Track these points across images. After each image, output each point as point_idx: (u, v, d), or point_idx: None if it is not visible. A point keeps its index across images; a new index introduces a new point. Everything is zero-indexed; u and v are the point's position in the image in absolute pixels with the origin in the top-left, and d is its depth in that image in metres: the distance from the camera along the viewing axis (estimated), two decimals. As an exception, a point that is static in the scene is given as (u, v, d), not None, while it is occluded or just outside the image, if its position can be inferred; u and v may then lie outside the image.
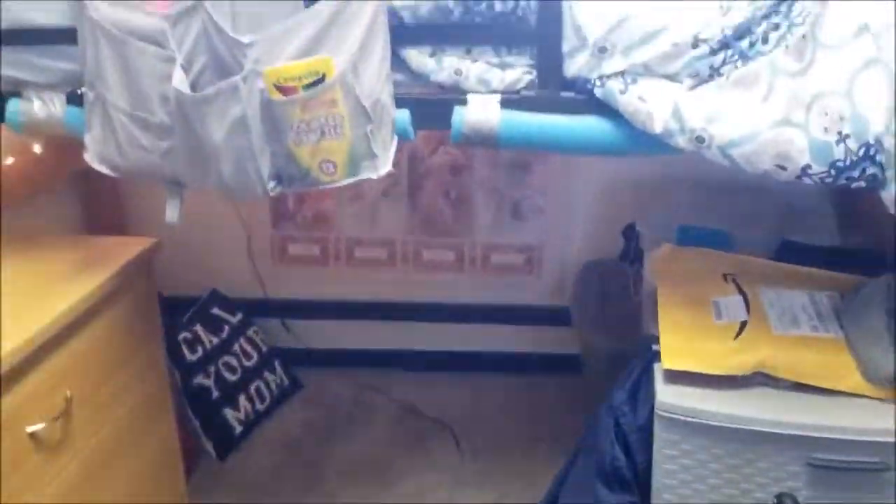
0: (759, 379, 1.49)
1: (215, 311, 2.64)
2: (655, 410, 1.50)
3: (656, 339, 1.60)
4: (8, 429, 1.32)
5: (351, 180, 1.40)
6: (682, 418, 1.46)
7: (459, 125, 1.39)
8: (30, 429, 1.37)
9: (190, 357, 2.44)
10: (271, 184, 1.39)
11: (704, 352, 1.50)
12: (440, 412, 2.61)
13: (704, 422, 1.45)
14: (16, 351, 1.32)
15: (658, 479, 1.52)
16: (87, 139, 1.44)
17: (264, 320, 2.78)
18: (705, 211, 2.16)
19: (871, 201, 1.89)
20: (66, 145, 2.23)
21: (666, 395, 1.48)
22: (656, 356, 1.57)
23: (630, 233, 2.46)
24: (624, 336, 2.09)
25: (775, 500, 1.18)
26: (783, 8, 1.20)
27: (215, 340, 2.55)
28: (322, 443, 2.49)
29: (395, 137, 1.41)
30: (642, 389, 1.58)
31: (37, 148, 2.06)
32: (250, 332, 2.68)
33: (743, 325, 1.54)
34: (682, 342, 1.53)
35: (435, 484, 2.31)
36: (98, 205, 2.45)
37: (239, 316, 2.68)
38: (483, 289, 2.72)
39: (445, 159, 2.60)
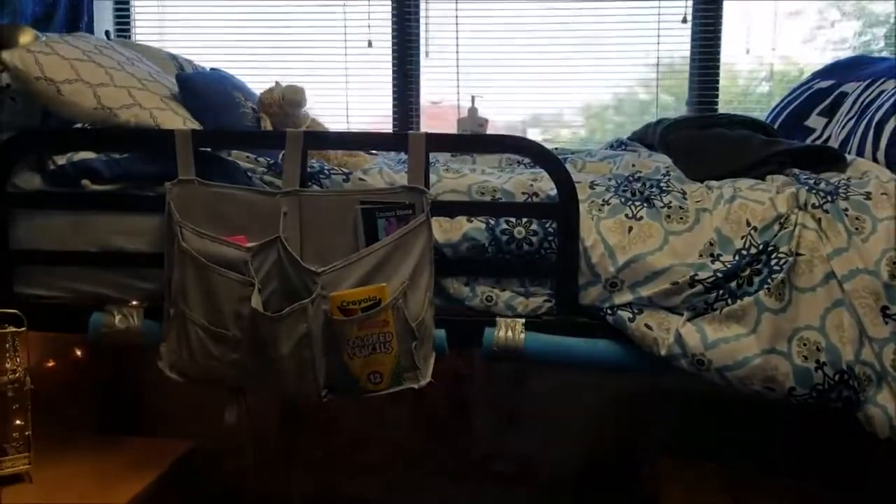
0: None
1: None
2: None
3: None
4: None
5: (394, 389, 1.59)
6: None
7: (490, 343, 1.62)
8: None
9: None
10: (324, 392, 1.58)
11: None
12: None
13: None
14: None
15: None
16: (163, 349, 1.64)
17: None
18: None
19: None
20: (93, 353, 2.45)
21: None
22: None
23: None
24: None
25: None
26: (763, 257, 1.48)
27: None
28: None
29: (434, 353, 1.63)
30: None
31: (78, 352, 2.24)
32: None
33: (740, 531, 1.70)
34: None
35: None
36: (116, 409, 2.59)
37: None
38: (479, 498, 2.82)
39: (449, 365, 2.80)
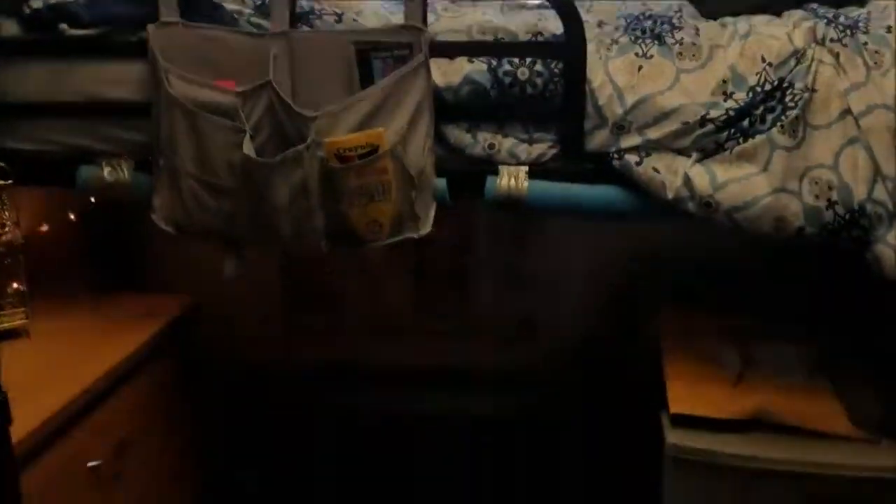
0: (758, 424, 1.66)
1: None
2: (665, 452, 1.64)
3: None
4: (72, 464, 1.42)
5: (395, 239, 1.56)
6: (690, 458, 1.61)
7: (492, 192, 1.57)
8: (90, 464, 1.47)
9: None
10: (323, 242, 1.55)
11: (708, 398, 1.66)
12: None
13: (709, 461, 1.60)
14: (80, 394, 1.43)
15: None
16: (155, 201, 1.59)
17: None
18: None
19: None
20: (91, 213, 2.41)
21: (673, 437, 1.64)
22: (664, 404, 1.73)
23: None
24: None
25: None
26: (778, 94, 1.42)
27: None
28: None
29: (435, 202, 1.59)
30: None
31: (73, 211, 2.20)
32: None
33: (741, 375, 1.71)
34: (687, 390, 1.69)
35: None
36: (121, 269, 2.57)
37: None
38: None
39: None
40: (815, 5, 1.59)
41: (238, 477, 2.52)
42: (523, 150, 1.58)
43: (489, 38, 1.57)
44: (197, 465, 1.94)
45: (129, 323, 1.72)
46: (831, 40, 1.45)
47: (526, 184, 1.56)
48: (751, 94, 1.43)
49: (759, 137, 1.41)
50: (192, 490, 1.94)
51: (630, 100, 1.48)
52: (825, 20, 1.49)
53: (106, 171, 1.62)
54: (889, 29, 1.45)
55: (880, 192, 1.39)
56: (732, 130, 1.44)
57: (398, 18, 1.59)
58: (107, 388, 1.51)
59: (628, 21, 1.59)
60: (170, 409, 1.78)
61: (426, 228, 1.57)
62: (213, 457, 2.48)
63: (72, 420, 1.40)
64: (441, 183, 1.58)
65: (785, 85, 1.42)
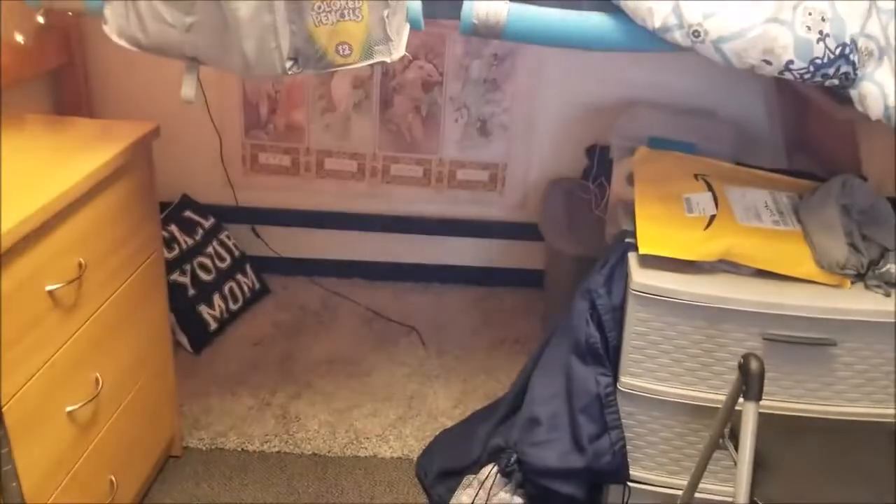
0: (725, 266, 1.67)
1: (188, 214, 2.69)
2: (629, 290, 1.65)
3: (630, 234, 1.75)
4: (30, 286, 1.38)
5: (365, 62, 1.48)
6: (654, 297, 1.63)
7: (469, 16, 1.49)
8: (48, 287, 1.43)
9: (167, 254, 2.50)
10: (288, 63, 1.46)
11: (677, 240, 1.66)
12: (405, 317, 2.73)
13: (674, 300, 1.62)
14: (39, 212, 1.37)
15: (627, 353, 1.69)
16: (107, 11, 1.48)
17: (235, 227, 2.83)
18: (669, 128, 2.32)
19: (818, 127, 2.07)
20: (43, 41, 2.27)
21: (640, 276, 1.64)
22: (631, 246, 1.73)
23: (593, 152, 2.61)
24: (588, 244, 2.25)
25: (741, 361, 1.33)
26: (777, -84, 1.34)
27: (189, 241, 2.61)
28: (292, 340, 2.59)
29: (408, 25, 1.50)
30: (617, 275, 1.73)
31: (19, 38, 2.06)
32: (223, 236, 2.74)
33: (712, 218, 1.70)
34: (657, 232, 1.68)
35: (403, 376, 2.45)
36: (68, 99, 2.46)
37: (211, 220, 2.73)
38: (450, 202, 2.83)
39: (418, 74, 2.68)
40: None
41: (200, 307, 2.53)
42: (504, -28, 1.48)
43: None
44: (157, 289, 1.91)
45: (87, 145, 1.64)
46: None
47: (506, 8, 1.48)
48: (749, -85, 1.34)
49: (753, -38, 1.34)
50: (156, 313, 1.92)
51: (619, -81, 1.38)
52: None
53: (54, -23, 1.50)
54: None
55: (873, 27, 1.33)
56: (727, -46, 1.36)
57: None
58: (65, 210, 1.45)
59: None
60: (130, 231, 1.73)
61: (399, 52, 1.48)
62: (176, 286, 2.48)
63: (28, 241, 1.35)
64: (414, 5, 1.49)
65: None
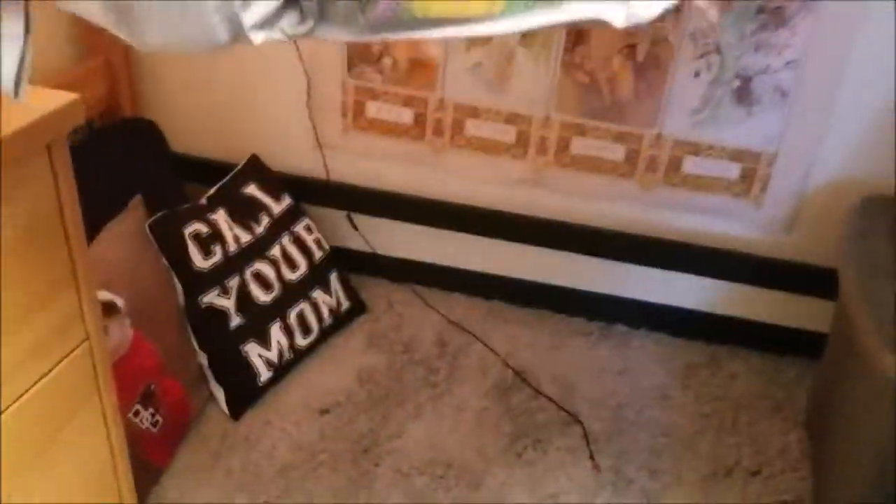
0: None
1: (251, 190, 1.76)
2: None
3: None
4: None
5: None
6: None
7: None
8: None
9: (201, 262, 1.59)
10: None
11: None
12: (565, 390, 1.71)
13: None
14: None
15: None
16: None
17: (322, 213, 1.88)
18: None
19: None
20: None
21: None
22: None
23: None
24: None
25: None
26: None
27: (245, 238, 1.68)
28: (380, 411, 1.64)
29: None
30: None
31: None
32: (300, 228, 1.80)
33: None
34: None
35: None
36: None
37: (287, 202, 1.79)
38: (663, 208, 1.73)
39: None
40: None
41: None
42: None
43: None
44: (92, 400, 1.00)
45: None
46: None
47: None
48: None
49: None
50: (95, 440, 1.03)
51: None
52: None
53: None
54: None
55: None
56: None
57: None
58: None
59: None
60: (30, 302, 0.81)
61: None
62: (212, 315, 1.58)
63: None
64: None
65: None
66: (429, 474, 1.53)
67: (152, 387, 1.46)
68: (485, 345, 1.81)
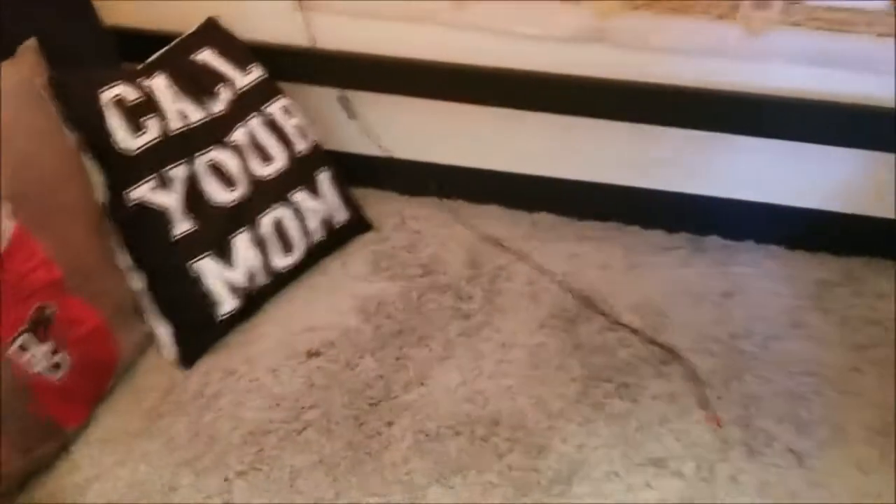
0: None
1: (206, 57, 1.26)
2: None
3: None
4: None
5: None
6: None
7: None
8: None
9: (126, 140, 1.10)
10: None
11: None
12: (655, 322, 1.21)
13: None
14: None
15: None
16: None
17: (305, 93, 1.39)
18: None
19: None
20: None
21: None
22: None
23: None
24: None
25: None
26: None
27: (195, 116, 1.19)
28: (403, 347, 1.15)
29: None
30: None
31: None
32: (274, 108, 1.30)
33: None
34: None
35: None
36: None
37: (256, 74, 1.30)
38: (777, 59, 1.23)
39: None
40: None
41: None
42: None
43: None
44: None
45: None
46: None
47: None
48: None
49: None
50: None
51: None
52: None
53: None
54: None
55: None
56: None
57: None
58: None
59: None
60: None
61: None
62: (144, 215, 1.08)
63: None
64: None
65: None
66: (466, 435, 1.03)
67: (48, 311, 0.97)
68: (533, 266, 1.31)
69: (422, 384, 1.10)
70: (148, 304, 1.14)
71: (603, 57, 1.26)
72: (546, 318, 1.21)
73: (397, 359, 1.14)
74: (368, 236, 1.38)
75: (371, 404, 1.07)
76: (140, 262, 1.13)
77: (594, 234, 1.39)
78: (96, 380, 1.05)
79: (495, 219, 1.42)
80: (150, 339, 1.15)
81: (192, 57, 1.26)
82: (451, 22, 1.30)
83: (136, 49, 1.29)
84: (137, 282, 1.14)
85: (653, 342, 1.16)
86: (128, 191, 1.10)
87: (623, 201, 1.40)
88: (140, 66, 1.22)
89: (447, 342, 1.17)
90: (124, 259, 1.13)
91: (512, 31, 1.29)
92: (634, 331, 1.18)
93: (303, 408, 1.07)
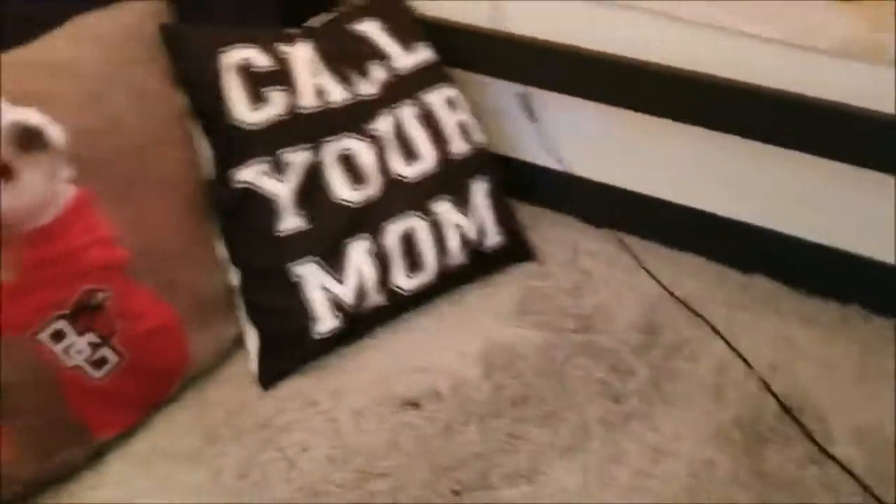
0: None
1: (366, 28, 1.08)
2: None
3: None
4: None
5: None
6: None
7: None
8: None
9: (243, 112, 0.94)
10: None
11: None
12: (880, 455, 0.84)
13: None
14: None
15: None
16: None
17: (481, 85, 1.16)
18: None
19: None
20: None
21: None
22: None
23: None
24: None
25: None
26: None
27: (336, 95, 1.01)
28: (523, 422, 0.89)
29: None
30: None
31: None
32: (435, 98, 1.07)
33: None
34: None
35: None
36: None
37: (424, 55, 1.08)
38: None
39: None
40: None
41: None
42: None
43: None
44: None
45: None
46: None
47: None
48: None
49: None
50: None
51: None
52: None
53: None
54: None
55: None
56: None
57: None
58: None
59: None
60: None
61: None
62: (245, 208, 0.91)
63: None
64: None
65: None
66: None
67: (99, 296, 0.82)
68: (728, 345, 0.98)
69: (530, 480, 0.83)
70: (240, 304, 0.98)
71: (874, 80, 0.90)
72: (727, 425, 0.89)
73: (510, 435, 0.88)
74: (526, 267, 1.12)
75: (455, 492, 0.82)
76: (235, 256, 0.96)
77: (824, 317, 1.03)
78: (153, 385, 0.89)
79: (693, 273, 1.10)
80: (237, 345, 0.99)
81: (350, 26, 1.07)
82: (667, 11, 1.00)
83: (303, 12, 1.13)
84: (234, 277, 0.98)
85: (872, 494, 0.79)
86: (234, 170, 0.94)
87: (874, 282, 1.02)
88: (290, 31, 1.05)
89: (582, 428, 0.89)
90: (221, 249, 0.97)
91: (757, 34, 0.96)
92: (849, 471, 0.82)
93: (373, 473, 0.84)
